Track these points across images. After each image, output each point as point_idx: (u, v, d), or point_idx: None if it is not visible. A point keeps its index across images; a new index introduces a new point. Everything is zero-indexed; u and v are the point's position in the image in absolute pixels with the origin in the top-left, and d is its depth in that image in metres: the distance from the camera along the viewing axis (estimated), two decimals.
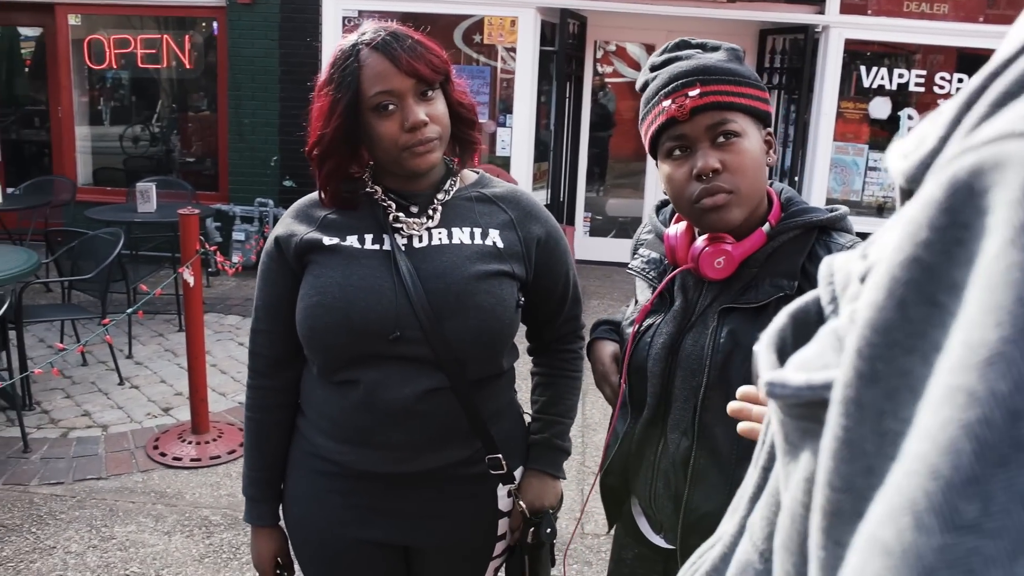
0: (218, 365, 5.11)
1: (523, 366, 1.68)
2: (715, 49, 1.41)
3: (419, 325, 1.44)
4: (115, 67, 8.03)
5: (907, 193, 0.36)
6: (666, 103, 1.37)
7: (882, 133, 7.44)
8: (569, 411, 1.73)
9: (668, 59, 1.41)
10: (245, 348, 1.69)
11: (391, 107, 1.43)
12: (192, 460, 3.93)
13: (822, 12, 7.12)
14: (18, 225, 6.95)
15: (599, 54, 8.18)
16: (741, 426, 1.04)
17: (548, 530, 1.66)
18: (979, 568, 0.24)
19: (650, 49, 8.10)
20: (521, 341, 1.63)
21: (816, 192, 7.33)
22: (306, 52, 7.26)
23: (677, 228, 1.47)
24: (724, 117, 1.34)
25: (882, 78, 7.29)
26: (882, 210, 7.53)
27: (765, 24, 7.41)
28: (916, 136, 0.36)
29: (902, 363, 0.29)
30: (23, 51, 8.58)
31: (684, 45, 1.44)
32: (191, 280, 3.91)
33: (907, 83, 7.27)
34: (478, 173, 1.65)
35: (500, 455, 1.57)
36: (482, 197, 1.58)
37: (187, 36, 7.83)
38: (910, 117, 7.32)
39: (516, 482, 1.65)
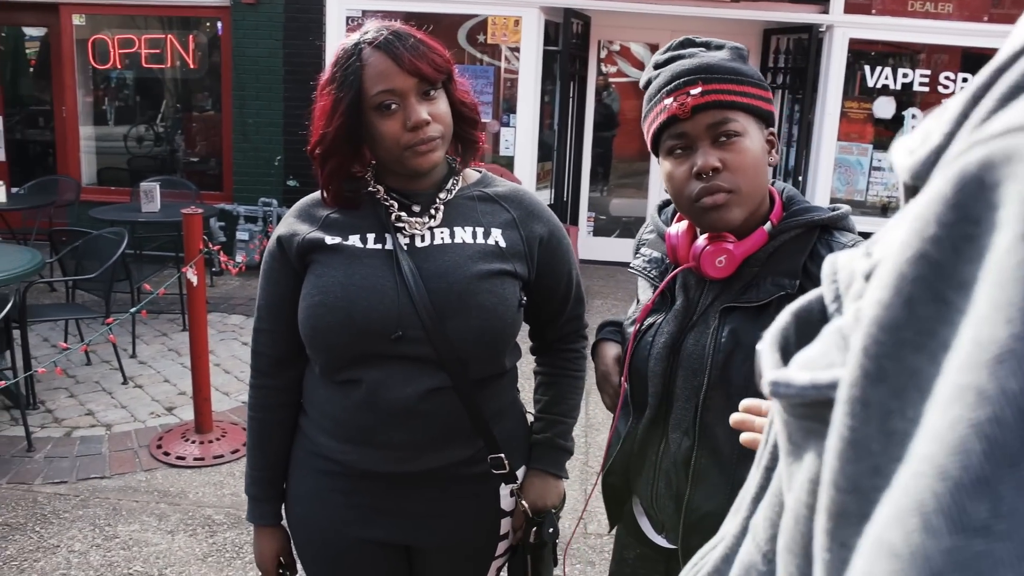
0: (221, 364, 5.12)
1: (526, 365, 1.68)
2: (719, 48, 1.41)
3: (421, 325, 1.44)
4: (119, 67, 8.04)
5: (911, 190, 0.36)
6: (667, 101, 1.37)
7: (886, 133, 7.42)
8: (572, 411, 1.73)
9: (671, 57, 1.41)
10: (248, 347, 1.69)
11: (393, 106, 1.43)
12: (195, 459, 3.93)
13: (826, 11, 7.11)
14: (22, 225, 6.96)
15: (603, 54, 8.17)
16: (744, 436, 1.04)
17: (550, 530, 1.66)
18: (988, 571, 0.24)
19: (654, 49, 8.09)
20: (524, 340, 1.63)
21: (820, 192, 7.31)
22: (310, 52, 7.27)
23: (679, 227, 1.47)
24: (725, 116, 1.34)
25: (886, 78, 7.27)
26: (886, 210, 7.51)
27: (769, 24, 7.40)
28: (921, 132, 0.36)
29: (910, 362, 0.28)
30: (27, 51, 8.59)
31: (688, 43, 1.43)
32: (195, 280, 3.92)
33: (911, 83, 7.26)
34: (480, 172, 1.65)
35: (502, 455, 1.57)
36: (484, 196, 1.58)
37: (191, 36, 7.83)
38: (914, 117, 7.30)
39: (518, 482, 1.64)
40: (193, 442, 4.05)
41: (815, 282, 1.35)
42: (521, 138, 7.30)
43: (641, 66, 8.31)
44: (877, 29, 7.16)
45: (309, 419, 1.60)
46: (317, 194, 1.58)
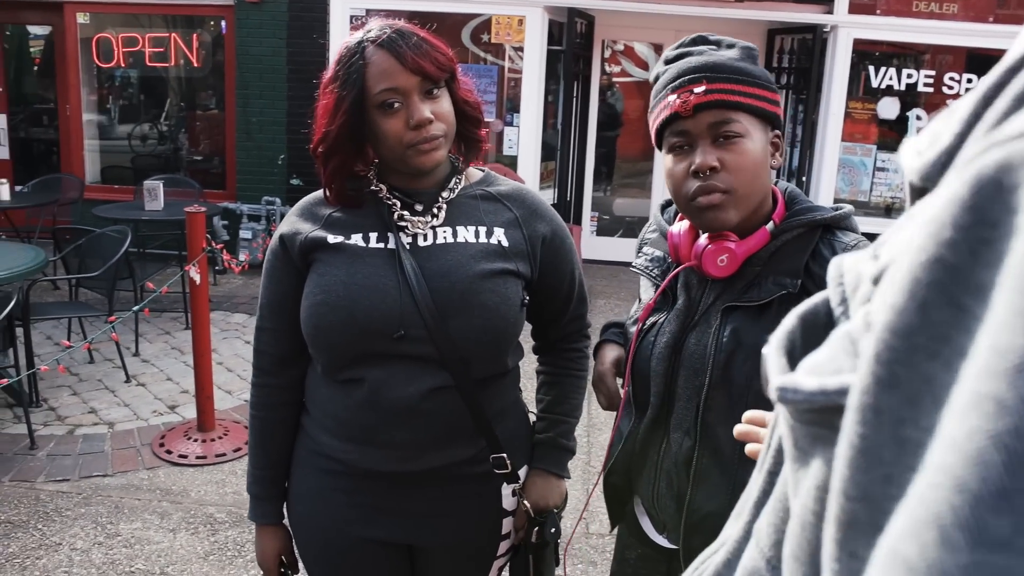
0: (224, 363, 5.12)
1: (528, 365, 1.68)
2: (730, 47, 1.40)
3: (423, 324, 1.44)
4: (123, 65, 8.05)
5: (919, 191, 0.35)
6: (671, 98, 1.36)
7: (890, 134, 7.40)
8: (574, 410, 1.72)
9: (681, 53, 1.41)
10: (251, 346, 1.69)
11: (396, 105, 1.42)
12: (198, 457, 3.93)
13: (831, 12, 7.09)
14: (26, 223, 6.97)
15: (607, 53, 8.16)
16: (749, 448, 1.03)
17: (552, 530, 1.66)
18: None
19: (658, 48, 8.09)
20: (526, 340, 1.63)
21: (824, 192, 7.30)
22: (314, 51, 7.27)
23: (681, 226, 1.47)
24: (727, 116, 1.33)
25: (891, 78, 7.26)
26: (890, 210, 7.49)
27: (773, 24, 7.39)
28: (929, 133, 0.35)
29: (924, 369, 0.27)
30: (32, 49, 8.60)
31: (701, 41, 1.43)
32: (197, 278, 3.92)
33: (916, 83, 7.24)
34: (483, 171, 1.65)
35: (504, 454, 1.56)
36: (487, 195, 1.58)
37: (195, 35, 7.84)
38: (919, 118, 7.28)
39: (520, 481, 1.64)
40: (195, 440, 4.05)
41: (817, 282, 1.35)
42: (525, 138, 7.30)
43: (645, 66, 8.30)
44: (881, 29, 7.15)
45: (311, 418, 1.59)
46: (320, 193, 1.58)
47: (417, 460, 1.52)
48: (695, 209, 1.37)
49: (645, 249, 1.60)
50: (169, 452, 3.97)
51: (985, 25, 7.00)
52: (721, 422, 1.39)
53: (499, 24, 7.23)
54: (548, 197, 7.37)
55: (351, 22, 7.13)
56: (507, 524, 1.65)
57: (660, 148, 1.45)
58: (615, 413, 1.59)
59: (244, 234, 7.20)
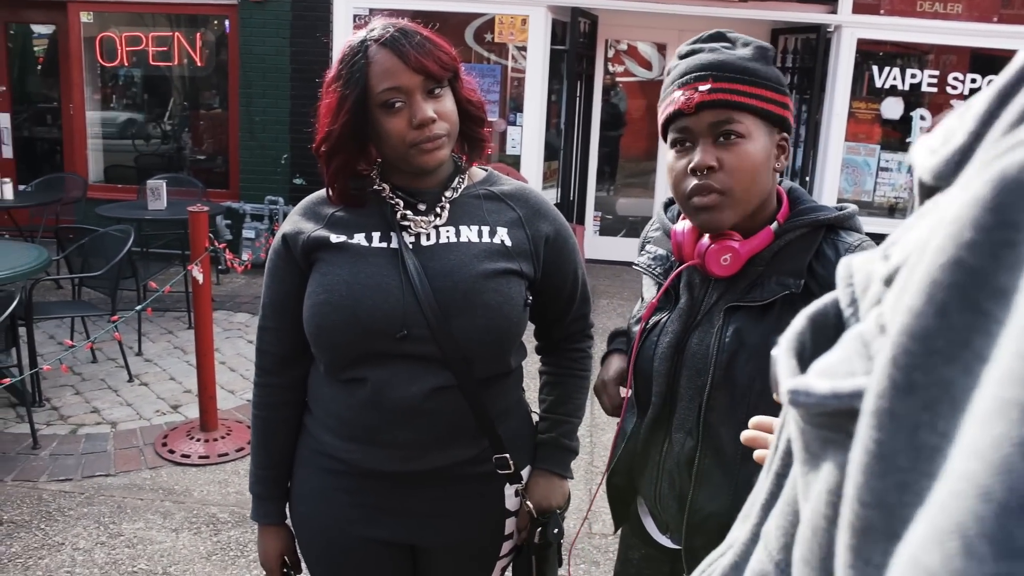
0: (227, 363, 5.12)
1: (531, 365, 1.67)
2: (746, 45, 1.39)
3: (426, 323, 1.43)
4: (127, 64, 8.06)
5: (929, 190, 0.35)
6: (677, 94, 1.36)
7: (894, 134, 7.40)
8: (577, 410, 1.72)
9: (694, 49, 1.40)
10: (253, 346, 1.69)
11: (399, 104, 1.42)
12: (200, 457, 3.93)
13: (834, 12, 7.08)
14: (29, 222, 6.98)
15: (610, 53, 8.15)
16: (757, 454, 1.03)
17: (555, 530, 1.65)
18: None
19: (661, 48, 8.09)
20: (529, 340, 1.62)
21: (827, 192, 7.29)
22: (317, 50, 7.27)
23: (684, 224, 1.46)
24: (730, 116, 1.33)
25: (894, 78, 7.25)
26: (893, 211, 7.49)
27: (777, 23, 7.38)
28: (943, 131, 0.34)
29: (942, 373, 0.27)
30: (35, 48, 8.62)
31: (717, 37, 1.42)
32: (200, 277, 3.92)
33: (920, 83, 7.23)
34: (486, 171, 1.64)
35: (507, 454, 1.56)
36: (490, 195, 1.57)
37: (199, 34, 7.85)
38: (922, 118, 7.27)
39: (523, 482, 1.63)
40: (198, 440, 4.05)
41: (820, 282, 1.35)
42: (528, 137, 7.29)
43: (648, 65, 8.30)
44: (885, 29, 7.14)
45: (314, 417, 1.59)
46: (322, 192, 1.57)
47: (420, 460, 1.51)
48: (691, 208, 1.37)
49: (648, 248, 1.60)
50: (172, 452, 3.97)
51: (989, 25, 6.99)
52: (723, 422, 1.38)
53: (502, 23, 7.23)
54: (551, 197, 7.36)
55: (354, 21, 7.13)
56: (510, 524, 1.65)
57: (666, 141, 1.45)
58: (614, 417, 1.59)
59: (247, 233, 7.21)
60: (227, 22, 7.68)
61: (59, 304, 5.45)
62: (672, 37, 7.80)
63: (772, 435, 1.00)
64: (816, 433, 0.34)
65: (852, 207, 1.42)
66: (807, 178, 7.37)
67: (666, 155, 1.43)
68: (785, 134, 1.40)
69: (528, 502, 1.63)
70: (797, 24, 7.25)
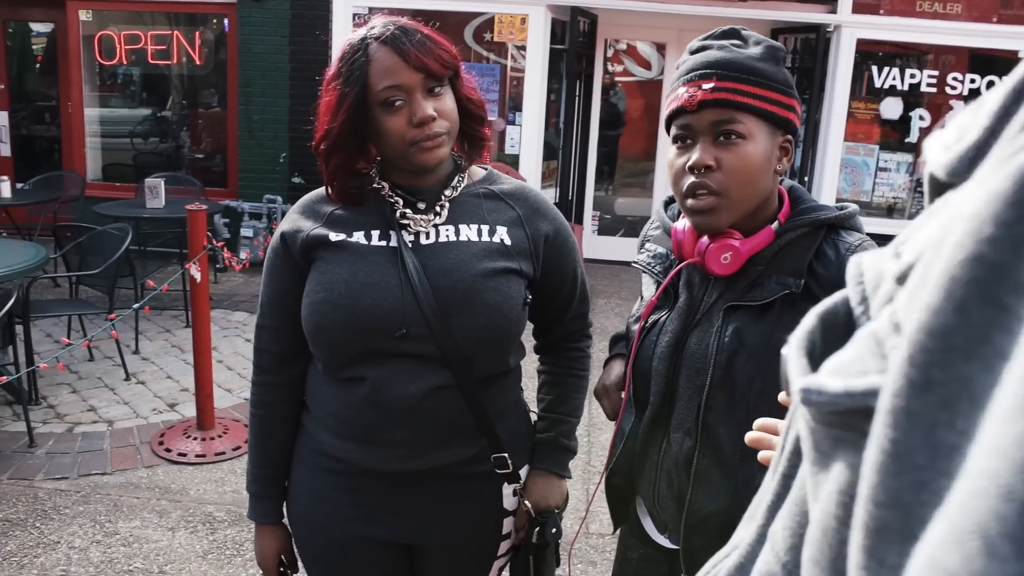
0: (224, 361, 5.11)
1: (530, 364, 1.66)
2: (757, 44, 1.39)
3: (425, 322, 1.42)
4: (125, 63, 8.05)
5: (940, 188, 0.34)
6: (681, 90, 1.36)
7: (893, 134, 7.40)
8: (576, 410, 1.71)
9: (703, 46, 1.40)
10: (251, 344, 1.68)
11: (399, 102, 1.41)
12: (197, 456, 3.92)
13: (834, 11, 7.09)
14: (27, 220, 6.97)
15: (609, 52, 8.15)
16: (762, 455, 1.02)
17: (553, 530, 1.65)
18: None
19: (661, 48, 8.09)
20: (528, 339, 1.62)
21: (826, 192, 7.30)
22: (316, 48, 7.27)
23: (684, 223, 1.46)
24: (731, 116, 1.32)
25: (894, 78, 7.25)
26: (892, 211, 7.49)
27: (777, 23, 7.38)
28: (956, 128, 0.34)
29: (961, 370, 0.26)
30: (34, 46, 8.61)
31: (729, 35, 1.41)
32: (198, 276, 3.91)
33: (919, 83, 7.23)
34: (486, 169, 1.64)
35: (506, 454, 1.56)
36: (490, 194, 1.57)
37: (198, 32, 7.84)
38: (921, 118, 7.28)
39: (521, 481, 1.63)
40: (195, 439, 4.04)
41: (820, 281, 1.34)
42: (527, 136, 7.29)
43: (647, 65, 8.30)
44: (885, 29, 7.14)
45: (312, 416, 1.58)
46: (321, 190, 1.57)
47: (418, 459, 1.51)
48: (687, 208, 1.37)
49: (648, 246, 1.59)
50: (168, 450, 3.96)
51: (988, 25, 7.00)
52: (722, 422, 1.38)
53: (502, 23, 7.22)
54: (549, 196, 7.33)
55: (354, 20, 7.13)
56: (508, 524, 1.64)
57: (669, 136, 1.45)
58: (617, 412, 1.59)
59: (245, 232, 7.20)
60: (226, 20, 7.67)
61: (56, 302, 5.44)
62: (671, 37, 7.80)
63: (778, 437, 0.99)
64: (827, 432, 0.33)
65: (853, 207, 1.42)
66: (806, 178, 7.37)
67: (668, 151, 1.43)
68: (789, 136, 1.40)
69: (526, 502, 1.63)
70: (797, 24, 7.25)
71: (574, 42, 7.23)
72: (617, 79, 8.38)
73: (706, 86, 1.32)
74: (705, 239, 1.39)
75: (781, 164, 1.39)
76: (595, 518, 3.40)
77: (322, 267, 1.48)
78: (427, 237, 1.50)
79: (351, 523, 1.56)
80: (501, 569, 1.71)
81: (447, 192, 1.53)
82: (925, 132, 7.27)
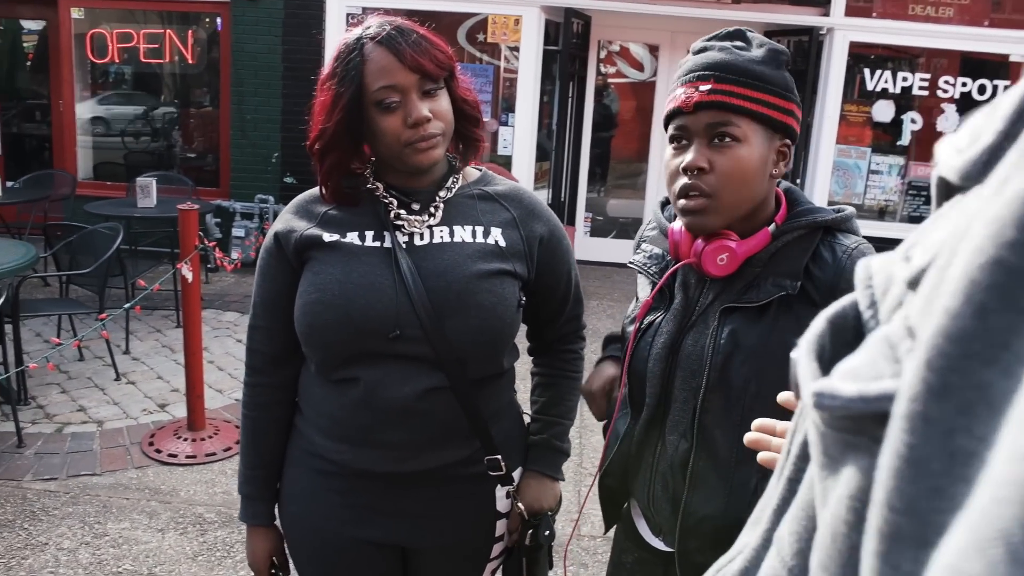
0: (215, 362, 5.09)
1: (523, 366, 1.66)
2: (760, 47, 1.39)
3: (419, 324, 1.42)
4: (117, 61, 8.02)
5: (949, 191, 0.34)
6: (679, 91, 1.36)
7: (885, 137, 7.42)
8: (569, 412, 1.71)
9: (705, 46, 1.39)
10: (243, 345, 1.67)
11: (394, 102, 1.41)
12: (187, 457, 3.90)
13: (827, 14, 7.11)
14: (17, 219, 6.94)
15: (602, 54, 8.16)
16: (762, 456, 1.02)
17: (546, 532, 1.64)
18: None
19: (654, 49, 8.10)
20: (521, 341, 1.61)
21: (818, 195, 7.31)
22: (309, 48, 7.25)
23: (681, 223, 1.46)
24: (727, 119, 1.32)
25: (886, 81, 7.27)
26: (883, 213, 7.51)
27: (769, 26, 7.39)
28: (969, 131, 0.33)
29: (980, 376, 0.26)
30: (25, 44, 8.57)
31: (734, 36, 1.41)
32: (189, 276, 3.89)
33: (911, 86, 7.25)
34: (481, 171, 1.63)
35: (499, 456, 1.55)
36: (484, 195, 1.56)
37: (190, 31, 7.81)
38: (913, 121, 7.30)
39: (515, 483, 1.62)
40: (185, 440, 4.02)
41: (816, 283, 1.34)
42: (519, 137, 7.29)
43: (640, 67, 8.30)
44: (877, 32, 7.16)
45: (305, 418, 1.58)
46: (315, 190, 1.56)
47: (412, 461, 1.50)
48: (679, 209, 1.37)
49: (644, 246, 1.59)
50: (159, 451, 3.94)
51: (980, 29, 7.03)
52: (718, 424, 1.38)
53: (495, 23, 7.22)
54: (542, 197, 7.34)
55: (347, 20, 7.11)
56: (501, 526, 1.64)
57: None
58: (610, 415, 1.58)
59: (237, 232, 7.18)
60: (219, 19, 7.65)
61: (46, 302, 5.41)
62: (664, 38, 7.81)
63: (778, 438, 0.98)
64: (837, 437, 0.33)
65: (850, 209, 1.42)
66: (798, 180, 7.39)
67: (665, 151, 1.42)
68: (788, 140, 1.39)
69: (519, 504, 1.62)
70: (789, 26, 7.27)
71: (567, 43, 7.24)
72: (610, 80, 8.39)
73: (703, 88, 1.32)
74: (701, 240, 1.39)
75: (778, 168, 1.39)
76: (585, 520, 3.40)
77: (315, 267, 1.47)
78: (421, 238, 1.49)
79: (344, 524, 1.56)
80: (494, 571, 1.70)
81: (442, 193, 1.52)
82: (917, 135, 7.30)
